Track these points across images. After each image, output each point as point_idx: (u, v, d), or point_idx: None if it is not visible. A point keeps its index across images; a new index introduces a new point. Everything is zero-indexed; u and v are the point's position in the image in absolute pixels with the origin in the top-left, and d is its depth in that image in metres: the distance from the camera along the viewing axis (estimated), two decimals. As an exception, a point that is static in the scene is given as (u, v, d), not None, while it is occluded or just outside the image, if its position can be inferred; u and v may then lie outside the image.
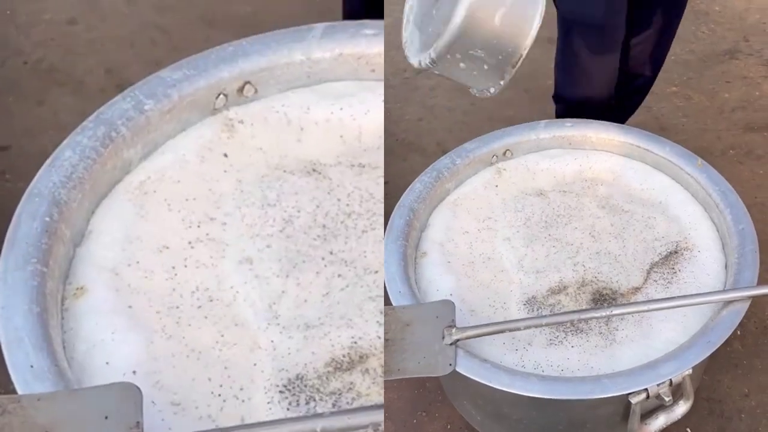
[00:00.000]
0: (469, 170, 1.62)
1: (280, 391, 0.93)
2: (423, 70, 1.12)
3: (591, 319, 1.22)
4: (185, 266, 1.03)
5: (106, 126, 1.09)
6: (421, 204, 1.51)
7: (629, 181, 1.56)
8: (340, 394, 0.94)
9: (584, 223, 1.48)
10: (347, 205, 1.13)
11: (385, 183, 1.20)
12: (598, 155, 1.62)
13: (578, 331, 1.27)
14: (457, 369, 1.15)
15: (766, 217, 2.18)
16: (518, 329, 1.19)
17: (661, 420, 1.20)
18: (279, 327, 0.99)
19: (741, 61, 2.92)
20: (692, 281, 1.35)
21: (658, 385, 1.12)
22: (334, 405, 0.93)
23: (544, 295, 1.35)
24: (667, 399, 1.14)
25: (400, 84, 2.83)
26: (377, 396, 0.95)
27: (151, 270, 1.02)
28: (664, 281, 1.36)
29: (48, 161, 1.04)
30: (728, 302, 1.20)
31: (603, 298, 1.33)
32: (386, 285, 1.30)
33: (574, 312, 1.19)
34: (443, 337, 1.17)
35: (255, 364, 0.95)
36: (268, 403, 0.92)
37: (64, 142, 1.07)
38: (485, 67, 1.15)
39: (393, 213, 1.46)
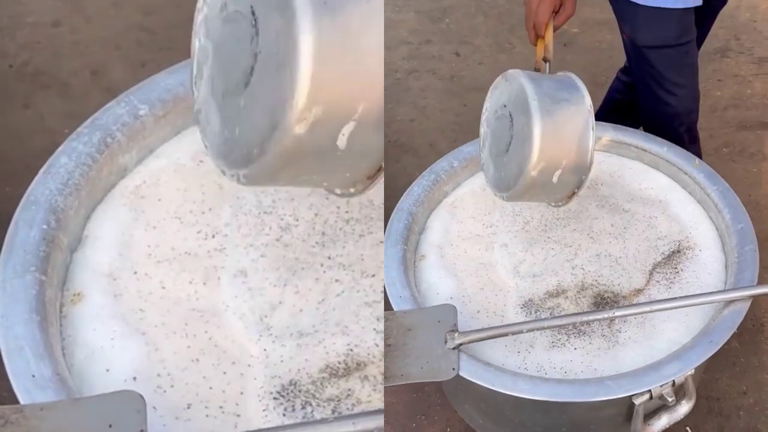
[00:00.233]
0: (467, 172, 1.63)
1: (275, 398, 0.94)
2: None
3: (593, 321, 1.23)
4: (180, 273, 1.04)
5: (101, 132, 1.09)
6: (419, 207, 1.52)
7: (628, 181, 1.58)
8: (338, 400, 0.95)
9: (583, 225, 1.49)
10: (346, 212, 1.13)
11: (380, 185, 1.21)
12: (595, 155, 1.62)
13: (581, 334, 1.28)
14: (461, 373, 1.15)
15: (760, 215, 2.20)
16: (521, 332, 1.19)
17: (664, 420, 1.21)
18: (271, 337, 0.99)
19: (732, 59, 2.94)
20: (694, 281, 1.36)
21: (661, 385, 1.13)
22: (333, 411, 0.94)
23: (541, 298, 1.36)
24: (670, 399, 1.16)
25: (392, 85, 2.84)
26: (378, 403, 0.95)
27: (148, 275, 1.02)
28: (667, 281, 1.37)
29: (44, 168, 1.04)
30: (729, 302, 1.21)
31: (605, 302, 1.34)
32: (386, 290, 1.31)
33: (576, 314, 1.20)
34: (445, 342, 1.18)
35: (245, 374, 0.96)
36: (264, 410, 0.93)
37: (60, 148, 1.07)
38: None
39: (391, 217, 1.47)
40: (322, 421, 0.86)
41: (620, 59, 3.06)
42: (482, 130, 1.44)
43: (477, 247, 1.47)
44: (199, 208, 1.10)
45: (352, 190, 0.91)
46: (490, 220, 1.53)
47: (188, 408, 0.92)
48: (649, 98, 1.78)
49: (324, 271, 1.06)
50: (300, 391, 0.95)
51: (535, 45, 1.61)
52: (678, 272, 1.38)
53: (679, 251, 1.41)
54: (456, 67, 3.07)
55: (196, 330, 0.98)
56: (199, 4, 0.90)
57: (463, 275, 1.42)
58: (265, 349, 0.98)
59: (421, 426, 1.74)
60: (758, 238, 1.37)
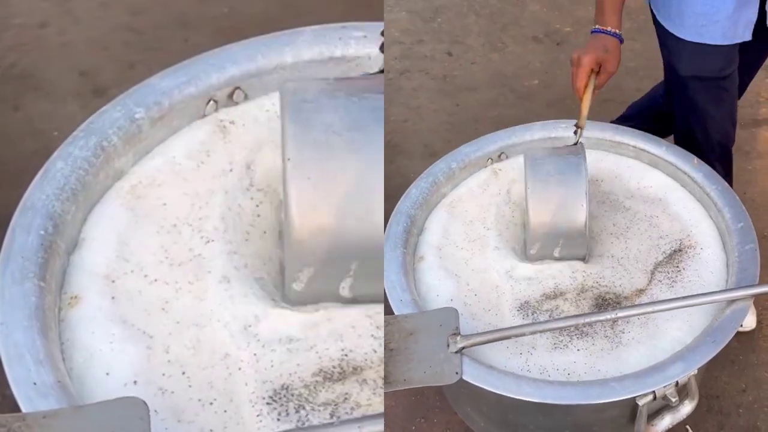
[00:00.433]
0: (465, 174, 1.63)
1: (268, 403, 0.94)
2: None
3: (596, 322, 1.23)
4: (174, 275, 1.04)
5: (97, 136, 1.09)
6: (418, 210, 1.52)
7: (627, 180, 1.58)
8: (335, 404, 0.95)
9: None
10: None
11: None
12: (594, 155, 1.63)
13: (583, 335, 1.28)
14: (464, 377, 1.15)
15: (756, 213, 2.21)
16: (523, 335, 1.20)
17: (667, 420, 1.22)
18: (260, 343, 0.99)
19: (726, 56, 2.96)
20: (696, 279, 1.37)
21: (665, 386, 1.14)
22: (332, 415, 0.94)
23: (538, 300, 1.36)
24: (673, 400, 1.16)
25: (384, 85, 2.84)
26: (379, 406, 0.96)
27: (145, 276, 1.02)
28: (669, 280, 1.37)
29: (40, 173, 1.03)
30: (731, 301, 1.21)
31: (606, 303, 1.34)
32: (387, 293, 1.31)
33: (579, 316, 1.20)
34: (448, 346, 1.18)
35: (236, 379, 0.96)
36: (258, 415, 0.93)
37: (56, 153, 1.06)
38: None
39: (390, 220, 1.47)
40: (327, 425, 0.87)
41: (613, 57, 3.09)
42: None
43: (475, 248, 1.48)
44: (193, 210, 1.10)
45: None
46: (489, 220, 1.53)
47: (190, 410, 0.92)
48: (684, 124, 1.78)
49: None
50: (293, 395, 0.95)
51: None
52: (680, 271, 1.39)
53: (680, 250, 1.42)
54: (448, 66, 3.07)
55: (189, 334, 0.98)
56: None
57: (462, 276, 1.42)
58: (254, 354, 0.98)
59: (421, 429, 1.75)
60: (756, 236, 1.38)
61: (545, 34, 3.18)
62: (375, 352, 1.00)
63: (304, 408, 0.93)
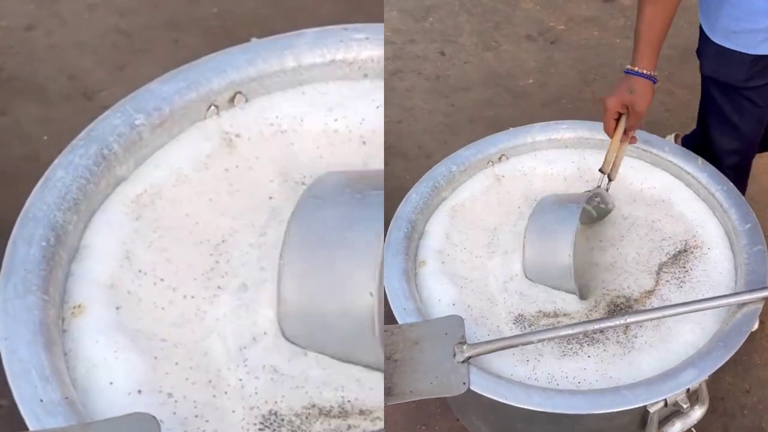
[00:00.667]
0: (465, 177, 1.62)
1: (260, 429, 0.93)
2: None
3: (607, 328, 1.22)
4: (179, 285, 1.03)
5: (97, 143, 1.08)
6: (419, 215, 1.50)
7: (630, 181, 1.57)
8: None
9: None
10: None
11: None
12: (595, 156, 1.63)
13: (594, 342, 1.27)
14: (471, 387, 1.14)
15: (757, 212, 2.21)
16: (531, 342, 1.18)
17: (678, 426, 1.21)
18: (246, 368, 0.98)
19: (721, 53, 2.97)
20: (705, 279, 1.36)
21: (676, 393, 1.13)
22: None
23: (533, 315, 1.36)
24: (685, 406, 1.16)
25: (377, 85, 2.83)
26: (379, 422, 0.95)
27: (149, 286, 1.01)
28: (677, 281, 1.37)
29: (40, 182, 1.02)
30: (742, 304, 1.21)
31: (618, 308, 1.34)
32: (389, 301, 1.29)
33: (589, 322, 1.18)
34: (454, 355, 1.16)
35: (224, 402, 0.95)
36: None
37: (56, 161, 1.05)
38: None
39: (390, 225, 1.45)
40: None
41: (608, 56, 3.08)
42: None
43: (476, 253, 1.46)
44: (200, 222, 1.09)
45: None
46: (491, 225, 1.52)
47: (195, 419, 0.91)
48: (704, 128, 1.75)
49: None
50: (283, 421, 0.94)
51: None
52: (687, 271, 1.38)
53: (685, 250, 1.42)
54: (441, 66, 3.06)
55: (192, 346, 0.97)
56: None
57: (463, 282, 1.41)
58: (240, 379, 0.97)
59: (422, 436, 1.74)
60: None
61: (539, 33, 3.18)
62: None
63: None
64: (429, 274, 1.42)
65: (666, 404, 1.14)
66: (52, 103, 2.64)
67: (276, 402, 0.95)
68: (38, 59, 2.83)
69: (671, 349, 1.24)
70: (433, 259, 1.45)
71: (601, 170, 1.48)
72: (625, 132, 1.50)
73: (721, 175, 1.48)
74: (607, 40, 3.11)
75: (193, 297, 1.03)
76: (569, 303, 1.39)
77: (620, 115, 1.48)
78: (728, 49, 1.49)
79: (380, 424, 0.94)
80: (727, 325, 1.21)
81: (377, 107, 1.24)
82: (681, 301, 1.31)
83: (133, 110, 1.13)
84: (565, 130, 1.67)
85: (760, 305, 1.21)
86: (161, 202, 1.09)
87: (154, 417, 0.80)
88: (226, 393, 0.95)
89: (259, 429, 0.92)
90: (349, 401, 0.97)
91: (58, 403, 0.83)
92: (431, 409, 1.77)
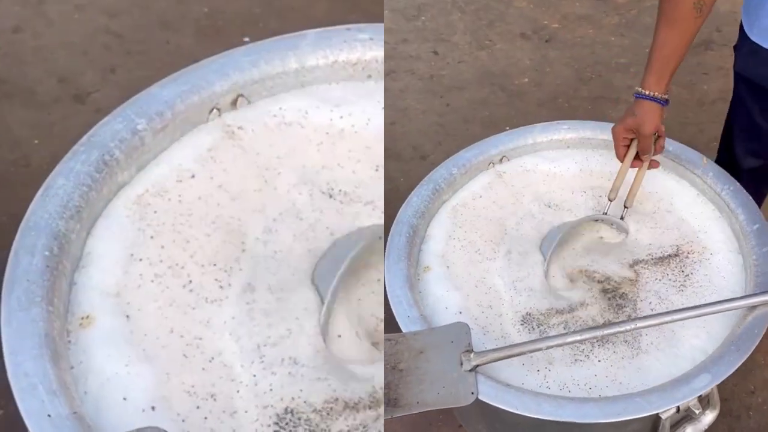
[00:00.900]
0: (466, 179, 1.60)
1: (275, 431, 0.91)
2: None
3: (616, 333, 1.20)
4: (188, 290, 1.01)
5: (98, 149, 1.05)
6: (420, 219, 1.47)
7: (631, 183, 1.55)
8: (366, 428, 0.92)
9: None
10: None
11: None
12: (597, 157, 1.61)
13: (604, 342, 1.25)
14: (480, 397, 1.11)
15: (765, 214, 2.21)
16: (539, 350, 1.16)
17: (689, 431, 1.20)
18: (262, 364, 0.96)
19: (716, 51, 2.97)
20: (707, 284, 1.35)
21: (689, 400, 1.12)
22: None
23: (543, 314, 1.33)
24: (697, 411, 1.14)
25: (370, 85, 2.82)
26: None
27: (157, 294, 0.98)
28: (677, 284, 1.36)
29: (41, 191, 1.00)
30: (753, 307, 1.20)
31: (611, 292, 1.33)
32: (393, 309, 1.26)
33: (597, 328, 1.17)
34: (461, 364, 1.14)
35: (236, 404, 0.93)
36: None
37: (56, 168, 1.02)
38: None
39: (391, 230, 1.42)
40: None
41: (603, 54, 3.08)
42: None
43: (481, 257, 1.44)
44: (205, 221, 1.07)
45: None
46: (494, 226, 1.50)
47: (204, 421, 0.90)
48: (727, 127, 1.72)
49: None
50: (300, 420, 0.92)
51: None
52: (687, 276, 1.37)
53: (677, 255, 1.40)
54: (435, 66, 3.05)
55: (203, 355, 0.95)
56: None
57: (470, 287, 1.38)
58: (254, 375, 0.95)
59: (425, 442, 1.73)
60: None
61: (533, 31, 3.17)
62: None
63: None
64: (434, 279, 1.39)
65: (678, 410, 1.13)
66: (42, 106, 2.61)
67: (293, 398, 0.93)
68: (26, 61, 2.80)
69: (678, 353, 1.22)
70: (438, 264, 1.42)
71: (608, 197, 1.47)
72: (640, 158, 1.46)
73: (728, 174, 1.47)
74: (602, 38, 3.11)
75: (205, 298, 1.01)
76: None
77: (632, 140, 1.45)
78: (764, 48, 1.44)
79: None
80: (739, 329, 1.19)
81: (381, 108, 1.23)
82: (683, 306, 1.31)
83: (134, 115, 1.10)
84: (567, 131, 1.65)
85: (773, 307, 1.20)
86: (164, 201, 1.06)
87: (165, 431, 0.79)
88: (238, 392, 0.93)
89: (274, 431, 0.90)
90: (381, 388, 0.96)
91: (66, 417, 0.80)
92: (433, 416, 1.76)
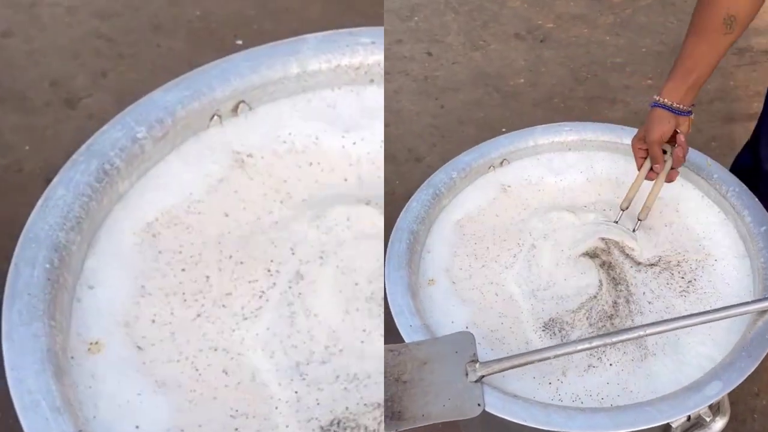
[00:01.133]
0: (466, 183, 1.57)
1: None
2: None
3: (624, 341, 1.18)
4: (202, 321, 0.98)
5: (98, 158, 1.03)
6: (420, 225, 1.44)
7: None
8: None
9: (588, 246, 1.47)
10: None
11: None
12: (601, 162, 1.60)
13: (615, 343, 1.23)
14: (487, 409, 1.09)
15: None
16: (548, 358, 1.13)
17: (699, 439, 1.18)
18: (305, 381, 0.94)
19: (712, 50, 2.96)
20: (711, 291, 1.33)
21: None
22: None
23: (560, 314, 1.32)
24: (707, 419, 1.13)
25: (365, 87, 2.80)
26: None
27: (169, 322, 0.96)
28: (680, 288, 1.34)
29: (40, 202, 0.97)
30: (763, 312, 1.18)
31: (616, 281, 1.32)
32: (394, 318, 1.23)
33: (607, 335, 1.14)
34: (466, 374, 1.11)
35: (274, 421, 0.91)
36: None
37: (55, 179, 1.00)
38: None
39: (391, 237, 1.38)
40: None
41: (598, 54, 3.07)
42: None
43: (488, 269, 1.41)
44: (216, 250, 1.05)
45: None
46: (499, 239, 1.48)
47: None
48: (755, 135, 1.68)
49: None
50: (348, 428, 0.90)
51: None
52: (690, 282, 1.35)
53: (678, 264, 1.39)
54: (429, 67, 3.04)
55: (225, 381, 0.93)
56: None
57: (479, 300, 1.35)
58: (296, 392, 0.93)
59: (427, 449, 1.71)
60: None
61: (527, 31, 3.16)
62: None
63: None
64: (440, 293, 1.36)
65: (689, 418, 1.11)
66: (34, 111, 2.59)
67: (345, 409, 0.91)
68: (18, 66, 2.77)
69: (684, 360, 1.21)
70: (443, 278, 1.39)
71: (620, 206, 1.44)
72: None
73: (732, 176, 1.46)
74: (597, 37, 3.10)
75: (214, 322, 0.99)
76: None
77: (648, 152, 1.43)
78: None
79: None
80: (749, 334, 1.18)
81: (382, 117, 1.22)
82: (687, 312, 1.29)
83: (134, 122, 1.08)
84: (569, 132, 1.63)
85: (784, 311, 1.19)
86: (174, 231, 1.04)
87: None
88: (276, 408, 0.91)
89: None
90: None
91: (71, 436, 0.79)
92: (436, 428, 1.73)
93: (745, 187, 1.43)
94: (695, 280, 1.36)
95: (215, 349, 0.95)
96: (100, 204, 1.01)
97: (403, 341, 1.21)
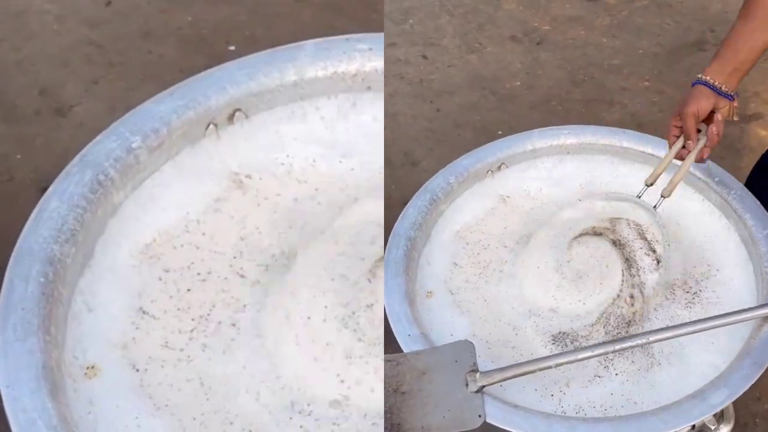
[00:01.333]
0: (464, 188, 1.56)
1: None
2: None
3: (627, 348, 1.17)
4: (199, 342, 0.97)
5: (92, 169, 1.02)
6: (418, 231, 1.42)
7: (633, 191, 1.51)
8: None
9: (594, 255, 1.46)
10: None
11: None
12: (601, 167, 1.59)
13: (623, 351, 1.22)
14: (488, 420, 1.07)
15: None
16: (549, 367, 1.12)
17: (703, 446, 1.18)
18: (313, 416, 0.92)
19: (709, 52, 2.96)
20: (715, 300, 1.33)
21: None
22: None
23: (573, 328, 1.30)
24: (712, 427, 1.13)
25: (360, 92, 2.79)
26: None
27: (166, 344, 0.96)
28: (685, 301, 1.34)
29: (33, 214, 0.96)
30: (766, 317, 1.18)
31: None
32: (392, 327, 1.22)
33: (609, 343, 1.13)
34: (466, 385, 1.10)
35: None
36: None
37: (49, 190, 0.99)
38: None
39: (388, 243, 1.36)
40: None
41: (595, 56, 3.07)
42: None
43: (488, 279, 1.40)
44: (214, 270, 1.05)
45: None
46: (501, 247, 1.46)
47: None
48: None
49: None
50: None
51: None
52: (696, 293, 1.35)
53: (684, 282, 1.38)
54: (424, 70, 3.04)
55: (219, 406, 0.92)
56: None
57: (479, 312, 1.34)
58: (301, 426, 0.92)
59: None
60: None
61: (523, 33, 3.16)
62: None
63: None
64: (438, 305, 1.35)
65: (694, 427, 1.11)
66: (24, 119, 2.58)
67: None
68: (7, 75, 2.76)
69: (690, 370, 1.20)
70: (442, 290, 1.37)
71: (645, 181, 1.41)
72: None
73: (734, 179, 1.45)
74: (593, 39, 3.10)
75: (221, 350, 0.98)
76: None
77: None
78: None
79: None
80: (754, 340, 1.17)
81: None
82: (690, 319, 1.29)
83: (128, 132, 1.07)
84: (567, 136, 1.62)
85: (790, 316, 1.18)
86: (172, 252, 1.04)
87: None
88: None
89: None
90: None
91: (69, 455, 0.78)
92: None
93: (746, 190, 1.42)
94: (700, 291, 1.35)
95: (202, 382, 0.95)
96: (94, 215, 1.00)
97: (401, 351, 1.20)
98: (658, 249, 1.36)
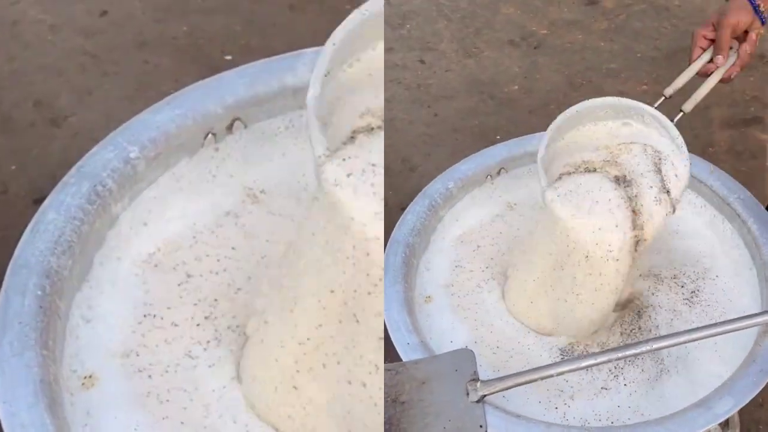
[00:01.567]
0: (463, 193, 1.56)
1: None
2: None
3: (631, 356, 1.16)
4: (199, 354, 0.96)
5: (90, 180, 1.01)
6: (416, 238, 1.41)
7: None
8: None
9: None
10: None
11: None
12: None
13: (634, 358, 1.21)
14: (489, 430, 1.05)
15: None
16: (552, 376, 1.10)
17: (709, 455, 1.17)
18: None
19: (708, 54, 2.97)
20: (715, 305, 1.33)
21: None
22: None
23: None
24: (717, 435, 1.12)
25: (357, 98, 2.79)
26: None
27: (168, 357, 0.94)
28: (688, 305, 1.33)
29: (30, 226, 0.95)
30: (773, 324, 1.18)
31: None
32: (391, 335, 1.22)
33: (613, 350, 1.12)
34: (467, 394, 1.08)
35: None
36: None
37: (45, 202, 0.98)
38: None
39: (386, 250, 1.36)
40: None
41: (593, 60, 3.07)
42: None
43: (489, 285, 1.40)
44: (222, 284, 1.03)
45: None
46: (501, 252, 1.46)
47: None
48: None
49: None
50: None
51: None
52: (696, 296, 1.34)
53: (691, 278, 1.38)
54: (422, 75, 3.03)
55: (219, 422, 0.91)
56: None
57: (480, 320, 1.34)
58: None
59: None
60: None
61: (521, 38, 3.16)
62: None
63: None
64: (437, 311, 1.35)
65: (699, 435, 1.10)
66: (18, 131, 2.57)
67: None
68: (0, 85, 2.76)
69: (696, 380, 1.19)
70: (441, 295, 1.37)
71: (664, 93, 1.38)
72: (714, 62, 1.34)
73: (736, 182, 1.45)
74: (591, 43, 3.10)
75: (222, 362, 0.96)
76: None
77: (711, 43, 1.35)
78: None
79: None
80: (759, 347, 1.16)
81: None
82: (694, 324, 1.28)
83: (126, 142, 1.06)
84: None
85: (794, 323, 1.17)
86: (173, 262, 1.02)
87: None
88: None
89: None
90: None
91: (68, 472, 0.77)
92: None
93: (749, 194, 1.42)
94: (702, 300, 1.35)
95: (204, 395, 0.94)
96: (92, 227, 0.99)
97: (400, 360, 1.20)
98: (675, 191, 1.28)
